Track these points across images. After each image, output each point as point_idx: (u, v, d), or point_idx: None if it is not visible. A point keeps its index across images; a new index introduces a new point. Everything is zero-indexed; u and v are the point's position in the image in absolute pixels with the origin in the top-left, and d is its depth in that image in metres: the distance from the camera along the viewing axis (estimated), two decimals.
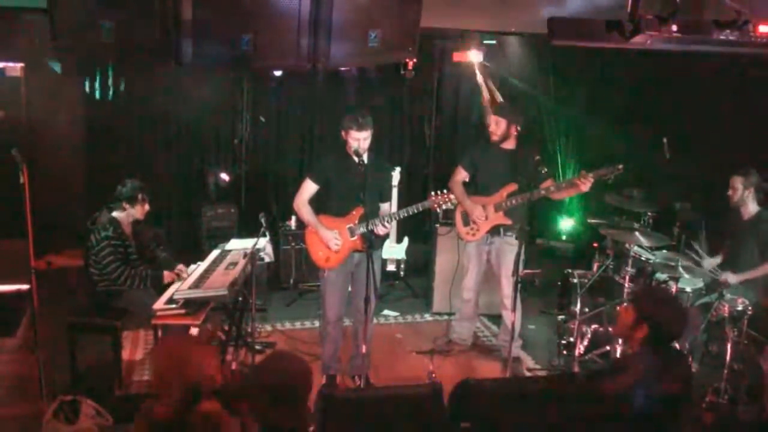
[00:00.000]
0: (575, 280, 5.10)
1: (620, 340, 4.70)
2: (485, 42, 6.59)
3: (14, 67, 5.82)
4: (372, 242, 4.16)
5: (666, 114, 6.43)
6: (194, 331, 4.19)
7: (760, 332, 4.38)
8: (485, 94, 6.48)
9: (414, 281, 6.57)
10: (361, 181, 4.11)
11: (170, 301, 4.07)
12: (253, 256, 4.27)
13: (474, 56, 6.47)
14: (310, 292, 6.25)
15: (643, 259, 4.91)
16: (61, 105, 6.23)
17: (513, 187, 4.76)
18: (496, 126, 4.76)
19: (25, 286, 4.33)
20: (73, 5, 2.78)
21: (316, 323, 5.36)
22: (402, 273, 6.65)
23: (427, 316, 5.99)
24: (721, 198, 4.91)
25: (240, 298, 4.61)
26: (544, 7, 4.13)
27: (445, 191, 4.48)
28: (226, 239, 5.20)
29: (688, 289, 4.69)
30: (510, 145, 4.82)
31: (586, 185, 4.48)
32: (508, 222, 4.81)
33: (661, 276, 4.79)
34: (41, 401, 3.90)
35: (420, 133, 7.66)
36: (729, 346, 4.23)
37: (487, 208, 4.83)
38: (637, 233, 4.69)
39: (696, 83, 6.13)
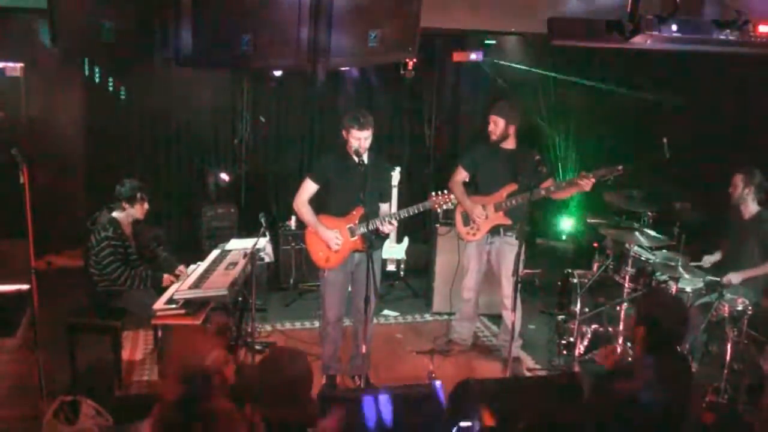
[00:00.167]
0: (575, 280, 5.10)
1: (620, 340, 4.70)
2: (485, 42, 6.60)
3: (14, 67, 5.83)
4: (372, 242, 4.16)
5: (666, 114, 6.43)
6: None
7: (760, 332, 4.38)
8: None
9: (414, 281, 6.57)
10: (361, 181, 4.11)
11: (170, 301, 4.07)
12: (253, 256, 4.27)
13: (474, 56, 6.49)
14: (310, 292, 6.25)
15: (643, 259, 4.90)
16: (61, 105, 6.24)
17: (513, 187, 4.77)
18: (495, 126, 4.77)
19: (25, 286, 4.33)
20: (73, 5, 2.77)
21: (316, 323, 5.36)
22: (402, 273, 6.65)
23: (427, 316, 5.99)
24: (722, 198, 4.91)
25: (240, 298, 4.61)
26: (544, 6, 4.12)
27: (445, 191, 4.48)
28: (226, 239, 5.20)
29: (688, 289, 4.68)
30: (510, 145, 4.82)
31: (587, 185, 4.48)
32: (508, 222, 4.81)
33: (661, 276, 4.79)
34: (41, 401, 3.90)
35: (420, 133, 7.67)
36: (729, 346, 4.23)
37: (487, 207, 4.83)
38: (637, 233, 4.68)
39: (696, 83, 6.13)
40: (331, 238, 4.31)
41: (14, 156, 3.65)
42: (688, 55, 4.14)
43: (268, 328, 5.57)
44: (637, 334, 2.78)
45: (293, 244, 6.32)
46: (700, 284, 4.73)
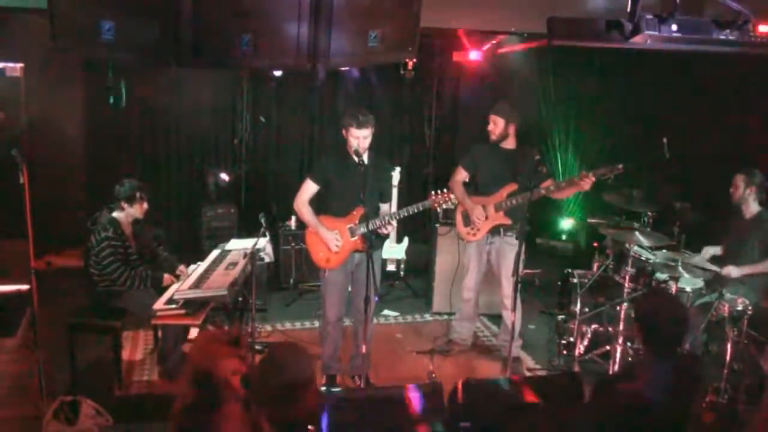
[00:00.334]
0: (575, 280, 5.11)
1: (620, 340, 4.70)
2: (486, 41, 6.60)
3: (14, 67, 5.82)
4: (372, 242, 4.16)
5: (666, 114, 6.43)
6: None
7: (760, 332, 4.38)
8: None
9: (414, 281, 6.57)
10: (361, 181, 4.11)
11: (170, 301, 4.07)
12: (253, 256, 4.27)
13: (474, 56, 6.49)
14: (310, 292, 6.25)
15: (643, 259, 4.90)
16: (61, 105, 6.23)
17: (513, 186, 4.77)
18: (494, 125, 4.77)
19: (25, 286, 4.33)
20: (73, 5, 2.77)
21: (316, 323, 5.36)
22: (402, 273, 6.65)
23: (427, 316, 5.99)
24: (722, 198, 4.91)
25: (240, 298, 4.61)
26: (544, 6, 4.12)
27: (445, 190, 4.48)
28: (226, 239, 5.20)
29: (688, 289, 4.68)
30: (510, 144, 4.82)
31: (587, 184, 4.48)
32: (508, 222, 4.81)
33: (661, 276, 4.79)
34: (41, 401, 3.90)
35: (420, 133, 7.67)
36: (729, 346, 4.23)
37: (487, 207, 4.83)
38: (637, 233, 4.68)
39: (696, 83, 6.13)
40: (331, 239, 4.31)
41: (14, 156, 3.65)
42: (688, 55, 4.14)
43: (268, 328, 5.57)
44: (639, 338, 2.78)
45: (293, 244, 6.32)
46: (700, 284, 4.73)
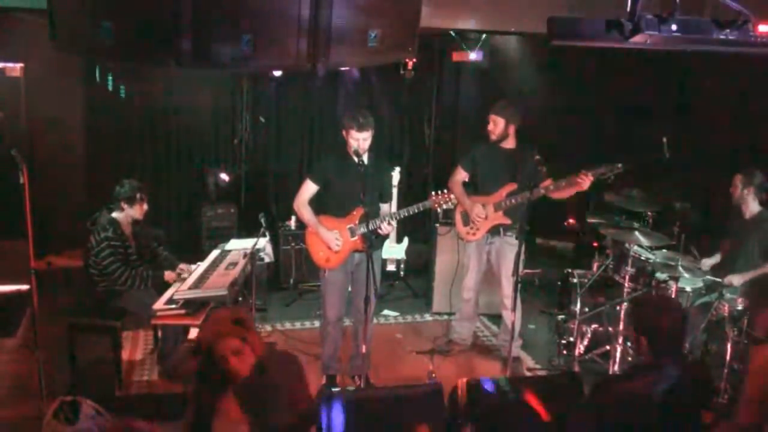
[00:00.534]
0: (575, 280, 5.10)
1: (620, 340, 4.70)
2: (485, 41, 6.60)
3: (14, 67, 5.83)
4: (372, 242, 4.16)
5: (666, 114, 6.43)
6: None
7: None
8: None
9: (414, 281, 6.57)
10: (361, 181, 4.11)
11: (170, 301, 4.08)
12: (253, 256, 4.27)
13: (474, 56, 6.49)
14: (310, 292, 6.25)
15: (643, 258, 4.90)
16: (61, 105, 6.24)
17: (512, 186, 4.77)
18: (494, 125, 4.77)
19: (25, 286, 4.34)
20: (73, 5, 2.77)
21: (316, 323, 5.36)
22: (402, 273, 6.65)
23: (427, 316, 5.99)
24: (722, 198, 4.91)
25: (240, 298, 4.61)
26: (544, 6, 4.12)
27: (445, 191, 4.48)
28: (226, 239, 5.21)
29: (688, 289, 4.68)
30: (509, 144, 4.82)
31: (585, 183, 4.49)
32: (508, 222, 4.81)
33: (661, 276, 4.79)
34: (41, 401, 3.90)
35: (420, 133, 7.67)
36: (729, 345, 4.23)
37: (486, 207, 4.83)
38: (637, 233, 4.68)
39: (696, 83, 6.13)
40: (331, 239, 4.31)
41: (14, 156, 3.65)
42: (688, 55, 4.14)
43: (268, 328, 5.57)
44: (641, 345, 2.79)
45: (293, 244, 6.32)
46: (700, 284, 4.73)
